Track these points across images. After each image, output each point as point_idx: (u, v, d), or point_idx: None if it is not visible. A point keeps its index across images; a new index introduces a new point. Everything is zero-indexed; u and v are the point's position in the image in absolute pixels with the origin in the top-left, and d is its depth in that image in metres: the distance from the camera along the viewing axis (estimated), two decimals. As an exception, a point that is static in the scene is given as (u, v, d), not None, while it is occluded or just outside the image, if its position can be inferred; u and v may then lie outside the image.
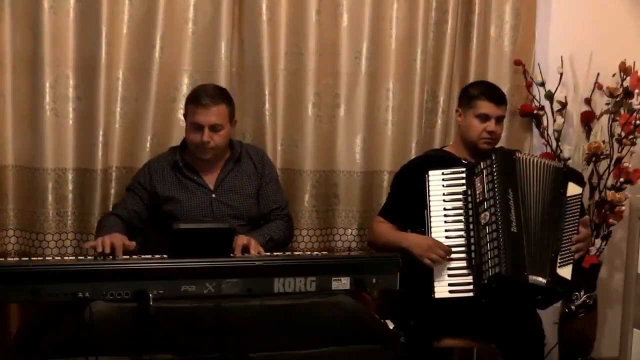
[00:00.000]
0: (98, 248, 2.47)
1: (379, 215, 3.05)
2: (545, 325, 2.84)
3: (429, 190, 2.81)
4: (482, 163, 2.80)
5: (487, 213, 2.72)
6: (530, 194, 2.77)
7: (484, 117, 2.93)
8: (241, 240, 2.62)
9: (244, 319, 2.25)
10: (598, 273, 3.58)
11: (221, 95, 2.86)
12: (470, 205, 2.77)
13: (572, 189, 2.83)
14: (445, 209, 2.79)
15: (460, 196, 2.79)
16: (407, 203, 2.91)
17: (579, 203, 2.83)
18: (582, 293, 3.52)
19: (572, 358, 3.56)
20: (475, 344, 3.08)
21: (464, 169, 2.83)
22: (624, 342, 3.45)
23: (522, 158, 2.80)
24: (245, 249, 2.57)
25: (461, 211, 2.78)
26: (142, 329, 2.13)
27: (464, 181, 2.81)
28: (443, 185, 2.81)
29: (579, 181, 2.89)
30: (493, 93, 2.98)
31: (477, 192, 2.77)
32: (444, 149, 3.12)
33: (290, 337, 2.29)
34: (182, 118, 3.14)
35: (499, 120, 2.96)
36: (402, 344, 2.34)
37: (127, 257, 2.46)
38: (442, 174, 2.83)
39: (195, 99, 2.82)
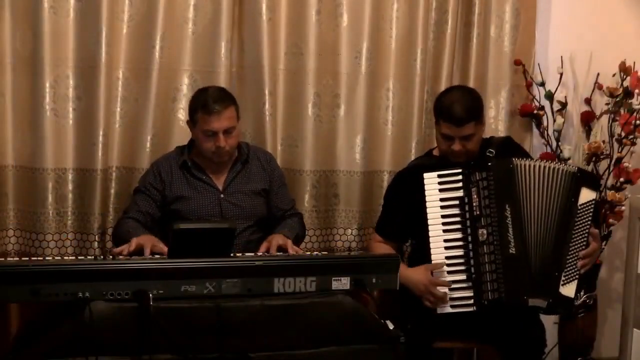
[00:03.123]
0: (124, 252, 2.50)
1: (375, 231, 3.01)
2: (545, 325, 2.82)
3: (424, 195, 2.71)
4: (477, 174, 2.68)
5: (485, 231, 2.63)
6: (532, 206, 2.65)
7: (447, 137, 2.75)
8: (277, 240, 2.67)
9: (244, 319, 2.25)
10: (598, 273, 3.58)
11: (227, 97, 2.86)
12: (467, 215, 2.68)
13: (585, 195, 2.68)
14: (442, 216, 2.69)
15: (458, 202, 2.70)
16: (402, 215, 2.86)
17: (592, 210, 2.69)
18: (582, 293, 3.50)
19: (572, 358, 3.56)
20: (475, 345, 3.08)
21: (459, 171, 2.71)
22: (624, 342, 3.45)
23: (521, 166, 2.67)
24: (282, 249, 2.64)
25: (459, 219, 2.69)
26: (142, 329, 2.13)
27: (460, 185, 2.70)
28: (439, 190, 2.71)
29: (594, 185, 2.75)
30: (453, 114, 2.71)
31: (474, 205, 2.66)
32: (432, 152, 3.03)
33: (290, 337, 2.29)
34: (183, 118, 3.15)
35: (467, 138, 2.73)
36: (402, 344, 2.34)
37: (127, 257, 2.46)
38: (438, 176, 2.72)
39: (204, 106, 2.78)
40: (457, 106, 2.73)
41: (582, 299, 3.50)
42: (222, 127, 2.78)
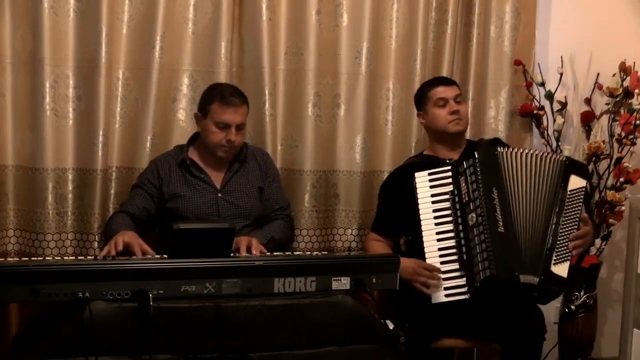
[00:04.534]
0: (112, 252, 2.47)
1: (371, 230, 3.06)
2: (546, 325, 2.83)
3: (416, 193, 2.79)
4: (464, 162, 2.77)
5: (474, 214, 2.69)
6: (520, 189, 2.72)
7: (443, 102, 2.94)
8: (244, 241, 2.64)
9: (244, 319, 2.24)
10: (598, 273, 3.58)
11: (243, 94, 2.89)
12: (457, 206, 2.75)
13: (575, 182, 2.76)
14: (434, 211, 2.77)
15: (448, 196, 2.77)
16: (397, 212, 2.91)
17: (582, 197, 2.76)
18: (582, 293, 3.52)
19: (572, 358, 3.56)
20: (475, 344, 3.08)
21: (449, 168, 2.80)
22: (624, 342, 3.45)
23: (506, 153, 2.76)
24: (248, 249, 2.60)
25: (450, 212, 2.76)
26: (142, 329, 2.13)
27: (450, 180, 2.78)
28: (430, 187, 2.79)
29: (583, 173, 2.82)
30: (440, 78, 3.08)
31: (463, 193, 2.74)
32: (423, 153, 3.10)
33: (290, 337, 2.29)
34: (183, 118, 3.15)
35: (457, 99, 2.96)
36: (402, 344, 2.34)
37: (127, 257, 2.46)
38: (429, 174, 2.80)
39: (222, 98, 2.80)
40: (438, 77, 3.16)
41: (582, 299, 3.51)
42: (237, 121, 2.80)
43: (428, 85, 3.04)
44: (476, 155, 2.75)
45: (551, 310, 3.50)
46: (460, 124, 2.95)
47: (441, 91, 2.96)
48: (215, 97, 2.83)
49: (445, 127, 2.94)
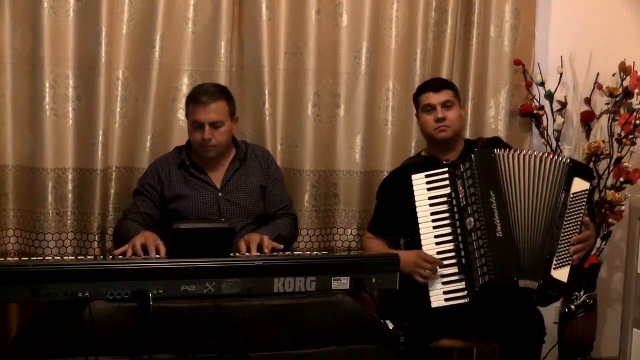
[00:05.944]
0: (129, 254, 2.47)
1: (368, 230, 3.07)
2: (546, 325, 2.83)
3: (414, 195, 2.77)
4: (462, 166, 2.74)
5: (472, 219, 2.66)
6: (519, 192, 2.69)
7: (429, 108, 2.91)
8: (255, 238, 2.64)
9: (244, 319, 2.25)
10: (598, 273, 3.58)
11: (220, 92, 2.86)
12: (455, 209, 2.72)
13: (578, 185, 2.72)
14: (432, 214, 2.74)
15: (446, 199, 2.74)
16: (394, 214, 2.90)
17: (585, 200, 2.72)
18: (582, 293, 3.51)
19: (572, 358, 3.56)
20: (474, 344, 3.08)
21: (446, 170, 2.77)
22: (624, 342, 3.45)
23: (504, 155, 2.72)
24: (260, 247, 2.61)
25: (448, 214, 2.73)
26: (142, 329, 2.13)
27: (447, 182, 2.76)
28: (427, 189, 2.77)
29: (587, 176, 2.78)
30: (429, 83, 3.03)
31: (461, 197, 2.71)
32: (421, 154, 3.09)
33: (290, 337, 2.29)
34: (183, 118, 3.15)
35: (446, 105, 2.90)
36: (402, 344, 2.34)
37: (127, 257, 2.46)
38: (425, 176, 2.78)
39: (194, 97, 2.83)
40: (434, 79, 3.15)
41: (582, 299, 3.51)
42: (208, 120, 2.79)
43: (419, 89, 3.01)
44: (473, 159, 2.72)
45: (551, 311, 3.50)
46: (447, 131, 2.89)
47: (428, 97, 2.92)
48: (190, 97, 2.87)
49: (431, 133, 2.93)
